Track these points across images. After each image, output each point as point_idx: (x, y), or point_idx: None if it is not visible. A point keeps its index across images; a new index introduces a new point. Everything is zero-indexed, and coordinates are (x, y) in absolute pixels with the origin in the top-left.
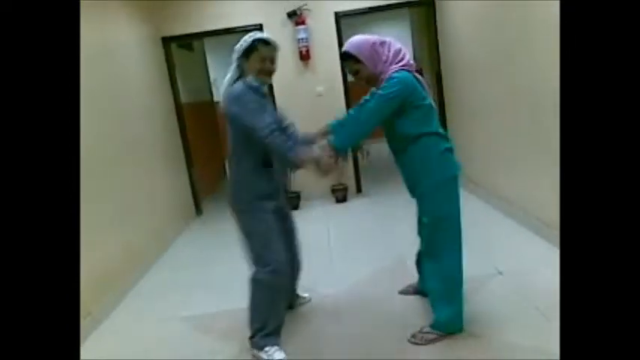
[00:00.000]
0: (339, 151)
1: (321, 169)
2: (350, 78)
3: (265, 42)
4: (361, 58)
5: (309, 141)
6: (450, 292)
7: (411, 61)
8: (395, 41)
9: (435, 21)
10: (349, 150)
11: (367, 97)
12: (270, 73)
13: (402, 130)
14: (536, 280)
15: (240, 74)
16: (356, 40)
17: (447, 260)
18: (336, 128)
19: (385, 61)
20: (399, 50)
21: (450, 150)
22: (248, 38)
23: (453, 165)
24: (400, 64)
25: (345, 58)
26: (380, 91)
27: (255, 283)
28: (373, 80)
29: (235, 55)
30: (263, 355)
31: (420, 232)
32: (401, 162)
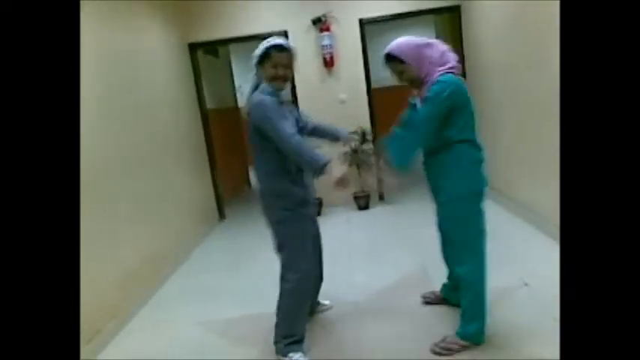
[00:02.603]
0: (399, 169)
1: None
2: (374, 85)
3: (279, 48)
4: (406, 59)
5: (335, 136)
6: (475, 304)
7: (457, 64)
8: (441, 43)
9: (461, 27)
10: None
11: (413, 101)
12: (283, 79)
13: (441, 133)
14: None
15: (259, 82)
16: (400, 42)
17: (471, 273)
18: (390, 146)
19: (431, 63)
20: (445, 52)
21: (481, 162)
22: (262, 46)
23: (482, 179)
24: (447, 66)
25: (389, 59)
26: (428, 104)
27: (286, 290)
28: (417, 82)
29: (253, 62)
30: None
31: (442, 242)
32: (430, 164)
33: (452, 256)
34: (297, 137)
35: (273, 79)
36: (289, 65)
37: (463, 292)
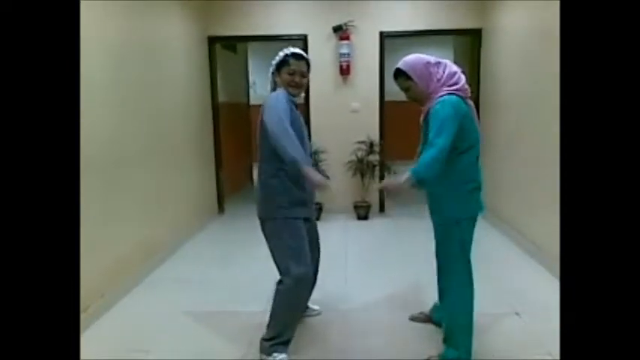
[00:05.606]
0: (417, 181)
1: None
2: (387, 98)
3: (296, 56)
4: (412, 76)
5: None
6: (460, 330)
7: (466, 87)
8: (452, 64)
9: (479, 51)
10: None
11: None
12: (298, 86)
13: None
14: (552, 325)
15: (274, 88)
16: (410, 59)
17: (456, 297)
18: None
19: (438, 81)
20: (454, 73)
21: (479, 186)
22: (281, 53)
23: (478, 205)
24: (453, 87)
25: (398, 74)
26: (439, 134)
27: (280, 292)
28: (423, 99)
29: (270, 70)
30: None
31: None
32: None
33: (441, 287)
34: (290, 132)
35: (289, 85)
36: (305, 74)
37: (446, 316)
